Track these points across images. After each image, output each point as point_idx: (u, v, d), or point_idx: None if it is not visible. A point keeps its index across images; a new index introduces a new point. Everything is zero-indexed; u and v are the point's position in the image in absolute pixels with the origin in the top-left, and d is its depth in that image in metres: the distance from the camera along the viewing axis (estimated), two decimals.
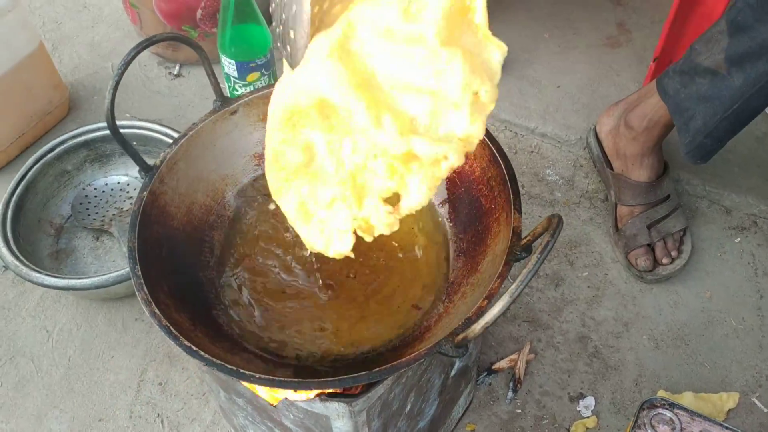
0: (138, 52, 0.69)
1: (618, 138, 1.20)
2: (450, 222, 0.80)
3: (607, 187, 1.26)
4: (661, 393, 1.05)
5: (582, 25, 1.54)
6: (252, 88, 1.32)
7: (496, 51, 0.48)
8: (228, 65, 1.29)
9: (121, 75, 0.68)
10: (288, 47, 0.52)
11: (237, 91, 1.33)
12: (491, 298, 0.63)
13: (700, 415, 0.77)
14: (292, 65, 0.53)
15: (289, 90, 0.51)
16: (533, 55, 1.48)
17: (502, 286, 0.65)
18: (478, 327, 0.56)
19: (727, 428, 0.76)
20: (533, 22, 1.55)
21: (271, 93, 0.78)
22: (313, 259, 0.75)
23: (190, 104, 1.46)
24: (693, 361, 1.10)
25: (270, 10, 0.58)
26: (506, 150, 1.33)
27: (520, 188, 1.28)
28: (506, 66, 1.41)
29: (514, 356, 1.10)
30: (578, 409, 1.05)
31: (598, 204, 1.28)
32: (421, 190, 0.47)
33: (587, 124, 1.35)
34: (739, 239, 1.23)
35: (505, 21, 1.54)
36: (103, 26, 1.63)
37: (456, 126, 0.46)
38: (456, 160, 0.47)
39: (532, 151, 1.36)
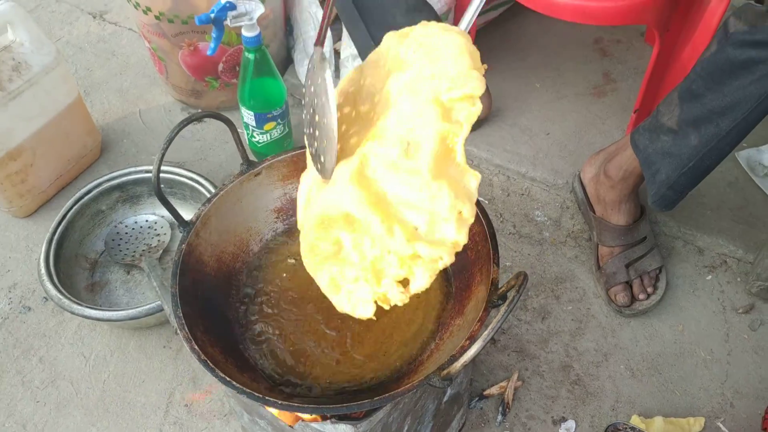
0: (180, 129, 0.82)
1: (599, 185, 1.33)
2: (443, 270, 0.93)
3: (590, 228, 1.38)
4: (634, 417, 1.17)
5: (570, 75, 1.68)
6: (269, 136, 1.46)
7: (473, 179, 0.63)
8: (247, 115, 1.43)
9: (166, 149, 0.82)
10: (319, 165, 0.70)
11: (255, 138, 1.47)
12: (473, 339, 0.75)
13: None
14: (323, 177, 0.70)
15: (322, 202, 0.66)
16: (525, 104, 1.61)
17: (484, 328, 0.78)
18: (458, 364, 0.69)
19: None
20: (526, 71, 1.69)
21: (288, 158, 0.92)
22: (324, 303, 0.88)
23: (211, 148, 1.60)
24: (665, 389, 1.22)
25: (304, 137, 0.74)
26: (499, 192, 1.47)
27: (512, 228, 1.42)
28: (500, 114, 1.56)
29: (503, 383, 1.22)
30: (560, 431, 1.17)
31: (582, 243, 1.41)
32: (425, 278, 0.63)
33: (574, 169, 1.48)
34: (710, 277, 1.35)
35: (499, 71, 1.68)
36: (131, 73, 1.78)
37: (447, 234, 0.61)
38: (448, 260, 0.62)
39: (522, 194, 1.49)
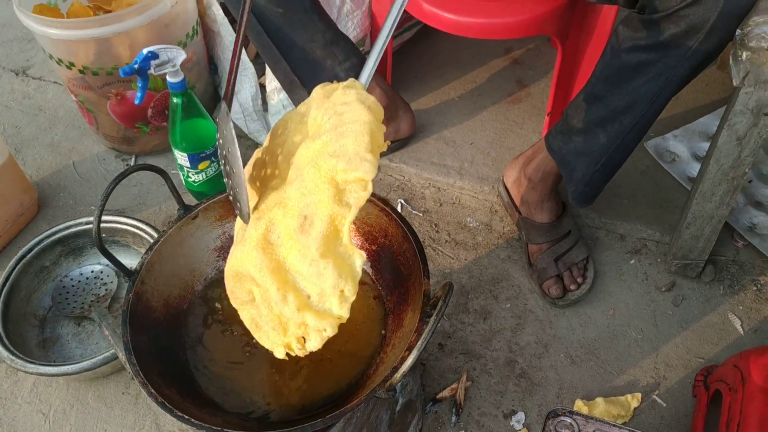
0: (115, 186, 0.86)
1: (521, 187, 1.42)
2: (381, 286, 0.99)
3: (518, 228, 1.47)
4: (578, 402, 1.25)
5: (487, 85, 1.77)
6: (204, 175, 1.50)
7: (358, 258, 0.70)
8: (180, 157, 1.47)
9: (103, 206, 0.86)
10: (237, 210, 0.78)
11: (191, 178, 1.51)
12: (411, 349, 0.81)
13: (593, 418, 0.97)
14: (243, 221, 0.78)
15: (236, 256, 0.72)
16: (447, 118, 1.69)
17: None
18: (399, 375, 0.75)
19: (613, 425, 0.96)
20: (445, 86, 1.77)
21: (223, 199, 0.97)
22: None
23: (149, 192, 1.63)
24: (603, 371, 1.30)
25: (225, 182, 0.80)
26: (432, 204, 1.55)
27: (447, 236, 1.49)
28: (424, 130, 1.63)
29: (454, 386, 1.28)
30: (511, 424, 1.24)
31: (513, 243, 1.49)
32: (316, 342, 0.72)
33: (498, 174, 1.56)
34: (633, 261, 1.45)
35: (419, 88, 1.76)
36: (61, 127, 1.79)
37: (332, 307, 0.68)
38: (331, 332, 0.71)
39: (454, 203, 1.57)
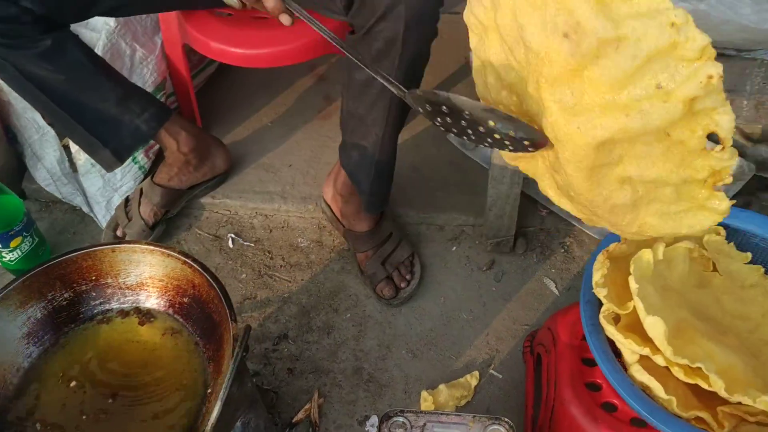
0: None
1: (337, 202, 1.48)
2: (198, 336, 1.01)
3: (346, 240, 1.53)
4: (423, 393, 1.32)
5: (297, 106, 1.81)
6: (19, 252, 1.45)
7: None
8: None
9: None
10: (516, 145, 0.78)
11: (5, 257, 1.46)
12: (217, 399, 0.84)
13: (423, 412, 1.04)
14: (535, 150, 0.78)
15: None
16: (263, 144, 1.72)
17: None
18: (208, 428, 0.78)
19: (441, 414, 1.04)
20: (256, 114, 1.80)
21: (20, 284, 0.96)
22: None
23: None
24: (443, 357, 1.39)
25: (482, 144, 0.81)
26: (262, 232, 1.57)
27: (282, 261, 1.53)
28: (242, 161, 1.66)
29: (307, 406, 1.32)
30: (366, 429, 1.30)
31: (345, 254, 1.55)
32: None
33: (319, 191, 1.61)
34: (455, 248, 1.55)
35: (231, 120, 1.78)
36: None
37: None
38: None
39: (283, 227, 1.60)
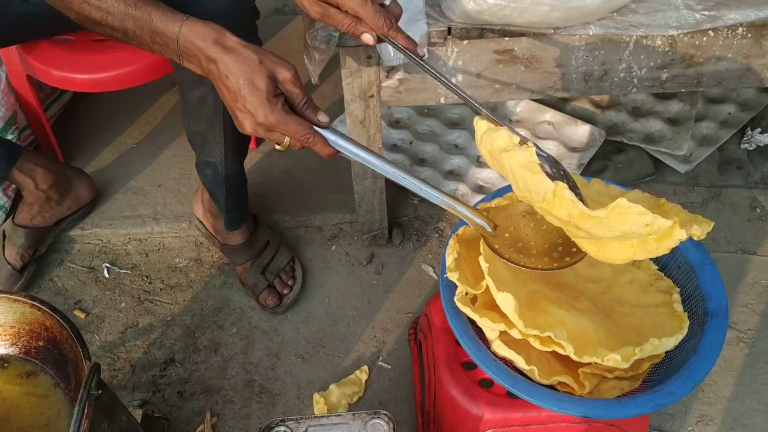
0: None
1: (208, 218, 1.46)
2: (59, 378, 0.98)
3: (224, 254, 1.51)
4: (315, 396, 1.32)
5: (162, 124, 1.77)
6: None
7: None
8: None
9: None
10: None
11: None
12: None
13: (303, 418, 1.04)
14: None
15: None
16: (130, 167, 1.68)
17: None
18: None
19: (321, 417, 1.04)
20: (121, 137, 1.74)
21: None
22: None
23: None
24: (332, 357, 1.40)
25: None
26: (138, 257, 1.53)
27: (161, 284, 1.50)
28: (110, 186, 1.63)
29: (201, 428, 1.31)
30: None
31: (225, 268, 1.53)
32: None
33: (192, 208, 1.58)
34: (334, 247, 1.55)
35: (97, 149, 1.71)
36: None
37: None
38: None
39: (159, 249, 1.57)
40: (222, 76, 0.79)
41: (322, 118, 0.81)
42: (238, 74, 0.77)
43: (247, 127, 0.79)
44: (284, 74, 0.79)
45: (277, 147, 0.82)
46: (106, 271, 1.54)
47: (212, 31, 0.79)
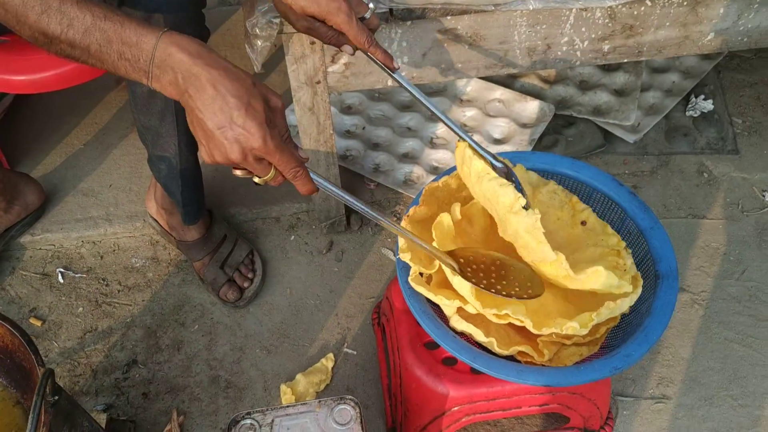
0: None
1: (162, 215, 1.43)
2: (16, 389, 0.96)
3: (181, 251, 1.49)
4: (282, 387, 1.32)
5: (110, 123, 1.73)
6: None
7: None
8: None
9: None
10: None
11: None
12: None
13: (269, 409, 1.04)
14: None
15: None
16: (78, 169, 1.64)
17: None
18: None
19: (288, 407, 1.04)
20: (68, 138, 1.70)
21: None
22: None
23: None
24: (297, 347, 1.39)
25: None
26: (93, 260, 1.51)
27: (119, 285, 1.47)
28: (59, 189, 1.59)
29: (168, 427, 1.29)
30: None
31: (184, 265, 1.51)
32: None
33: (144, 207, 1.56)
34: (293, 237, 1.55)
35: (43, 152, 1.67)
36: None
37: None
38: None
39: (114, 250, 1.54)
40: (205, 96, 0.69)
41: (303, 154, 0.76)
42: (233, 93, 0.69)
43: (233, 153, 0.70)
44: (276, 102, 0.73)
45: (256, 180, 0.74)
46: (60, 277, 1.50)
47: (195, 44, 0.71)
